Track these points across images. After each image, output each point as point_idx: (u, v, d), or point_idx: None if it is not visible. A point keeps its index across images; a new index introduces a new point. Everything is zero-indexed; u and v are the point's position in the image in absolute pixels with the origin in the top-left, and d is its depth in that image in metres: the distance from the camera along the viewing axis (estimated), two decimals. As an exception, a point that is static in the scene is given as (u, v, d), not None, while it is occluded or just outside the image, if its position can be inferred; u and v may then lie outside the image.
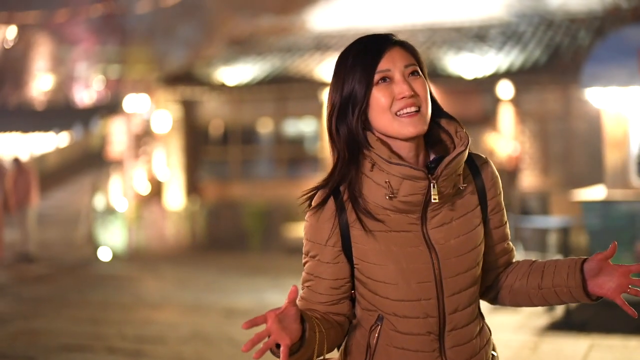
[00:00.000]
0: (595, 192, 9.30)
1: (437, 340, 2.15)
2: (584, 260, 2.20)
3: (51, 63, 56.26)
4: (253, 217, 17.58)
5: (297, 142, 20.72)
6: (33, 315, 9.82)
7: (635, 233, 7.99)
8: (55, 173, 31.73)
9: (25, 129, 39.59)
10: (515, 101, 17.74)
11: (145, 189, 23.40)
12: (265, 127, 20.75)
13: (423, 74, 2.18)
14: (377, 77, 2.13)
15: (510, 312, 9.30)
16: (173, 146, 21.19)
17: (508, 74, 17.58)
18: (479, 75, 17.63)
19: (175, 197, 20.52)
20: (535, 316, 8.94)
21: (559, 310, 8.86)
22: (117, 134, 19.55)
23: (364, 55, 2.16)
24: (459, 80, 17.87)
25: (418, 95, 2.11)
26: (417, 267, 2.12)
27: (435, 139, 2.21)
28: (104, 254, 15.95)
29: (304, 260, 2.23)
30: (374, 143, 2.12)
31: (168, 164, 21.37)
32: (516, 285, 2.31)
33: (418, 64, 2.18)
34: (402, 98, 2.10)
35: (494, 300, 2.40)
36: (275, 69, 20.10)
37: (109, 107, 38.24)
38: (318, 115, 19.22)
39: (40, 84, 54.63)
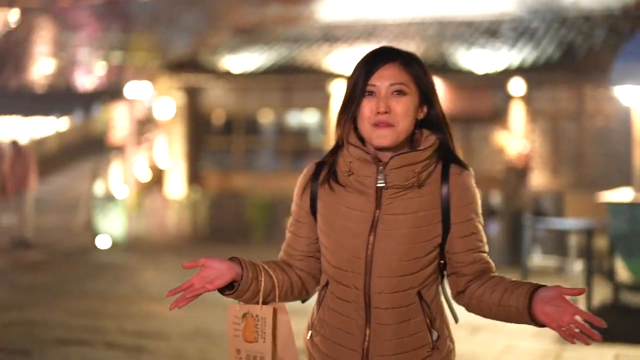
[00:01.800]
0: (622, 194, 8.92)
1: (364, 311, 2.42)
2: (538, 287, 2.33)
3: (53, 48, 56.00)
4: (256, 209, 17.15)
5: (301, 134, 20.38)
6: (28, 305, 9.43)
7: (663, 239, 7.62)
8: (54, 158, 31.35)
9: (26, 113, 39.38)
10: (527, 99, 17.38)
11: (146, 177, 23.01)
12: (269, 117, 20.39)
13: (423, 91, 2.46)
14: (366, 89, 2.45)
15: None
16: (175, 134, 20.81)
17: (520, 70, 17.20)
18: (490, 70, 17.26)
19: (177, 186, 20.14)
20: (553, 322, 8.58)
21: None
22: (119, 120, 19.18)
23: (364, 67, 2.47)
24: (470, 75, 17.50)
25: (393, 113, 2.41)
26: (353, 243, 2.42)
27: (415, 143, 2.49)
28: (103, 242, 15.58)
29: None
30: (348, 128, 2.47)
31: (170, 152, 20.99)
32: (484, 298, 2.44)
33: (416, 82, 2.45)
34: (377, 113, 2.41)
35: (467, 307, 2.54)
36: (282, 58, 19.71)
37: (111, 93, 37.90)
38: (324, 107, 18.84)
39: (41, 68, 54.44)
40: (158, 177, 22.57)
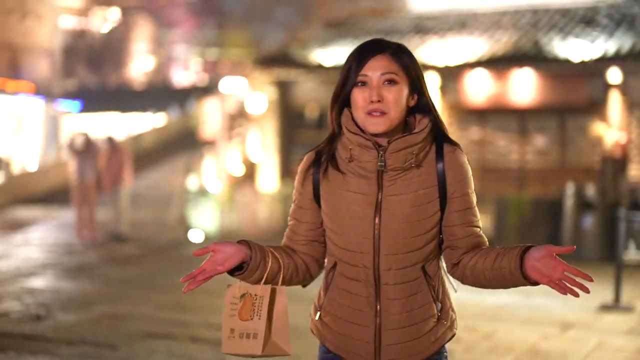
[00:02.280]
0: None
1: (374, 288, 2.58)
2: (529, 247, 2.49)
3: (151, 45, 57.06)
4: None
5: (394, 127, 20.21)
6: (119, 298, 9.57)
7: None
8: (150, 153, 31.90)
9: (124, 109, 40.20)
10: (624, 88, 16.89)
11: (239, 171, 23.21)
12: (361, 110, 20.29)
13: (413, 79, 2.61)
14: (358, 79, 2.58)
15: (620, 314, 8.69)
16: (267, 128, 20.92)
17: (616, 58, 16.73)
18: (585, 58, 16.82)
19: (269, 180, 20.25)
20: (648, 319, 8.31)
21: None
22: (211, 115, 19.36)
23: (355, 58, 2.61)
24: (564, 64, 17.11)
25: (385, 101, 2.55)
26: (360, 225, 2.56)
27: (410, 127, 2.64)
28: (196, 236, 15.76)
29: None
30: (345, 117, 2.62)
31: (262, 146, 21.11)
32: (477, 266, 2.59)
33: (406, 71, 2.60)
34: (371, 102, 2.55)
35: (461, 279, 2.68)
36: (373, 51, 19.57)
37: (206, 88, 38.36)
38: (416, 99, 18.63)
39: (139, 65, 55.53)
40: (251, 171, 22.74)
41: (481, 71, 18.43)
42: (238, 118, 26.18)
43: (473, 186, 2.66)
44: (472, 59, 18.13)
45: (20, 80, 29.51)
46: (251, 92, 24.62)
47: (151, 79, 55.55)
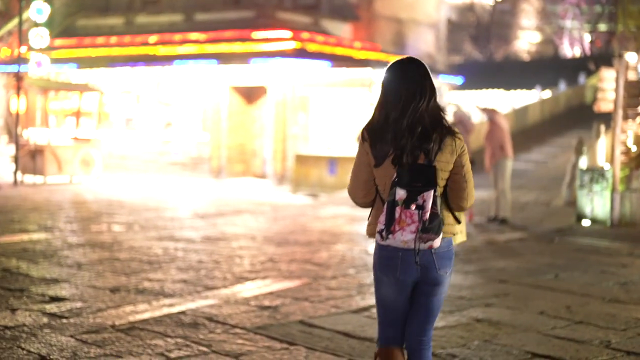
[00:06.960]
0: None
1: None
2: None
3: (538, 18, 55.18)
4: None
5: None
6: (494, 297, 7.93)
7: None
8: (537, 127, 30.09)
9: (508, 86, 39.00)
10: None
11: (635, 150, 20.60)
12: None
13: None
14: None
15: None
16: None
17: None
18: None
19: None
20: None
21: None
22: (609, 87, 17.12)
23: None
24: None
25: None
26: None
27: None
28: (586, 223, 13.77)
29: None
30: None
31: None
32: None
33: None
34: None
35: None
36: None
37: (601, 60, 35.77)
38: None
39: (526, 40, 54.44)
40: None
41: None
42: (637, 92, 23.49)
43: None
44: None
45: (404, 55, 29.07)
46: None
47: (538, 52, 54.05)
